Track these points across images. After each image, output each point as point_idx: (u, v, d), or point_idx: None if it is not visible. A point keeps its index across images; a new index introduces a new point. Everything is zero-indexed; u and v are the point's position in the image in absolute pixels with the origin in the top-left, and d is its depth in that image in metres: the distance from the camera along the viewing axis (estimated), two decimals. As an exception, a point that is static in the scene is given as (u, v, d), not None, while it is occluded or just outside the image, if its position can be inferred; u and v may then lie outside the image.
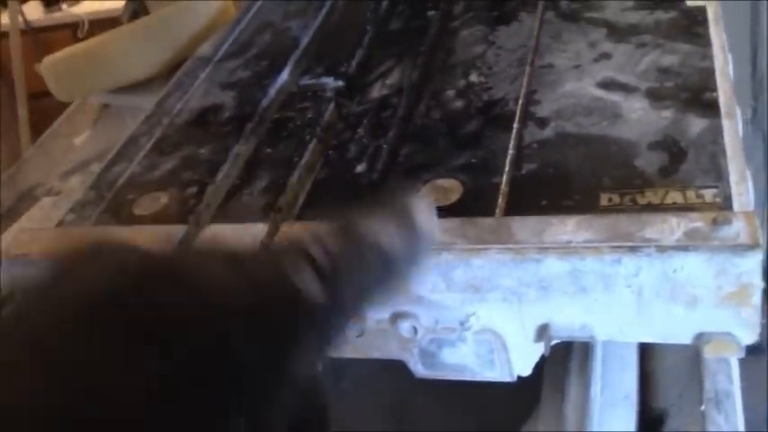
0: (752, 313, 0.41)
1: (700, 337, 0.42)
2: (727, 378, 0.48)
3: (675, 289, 0.41)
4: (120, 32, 0.84)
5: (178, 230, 0.51)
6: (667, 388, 0.52)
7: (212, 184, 0.56)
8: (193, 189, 0.56)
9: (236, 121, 0.63)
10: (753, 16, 1.50)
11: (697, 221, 0.41)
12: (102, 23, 1.86)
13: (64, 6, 1.95)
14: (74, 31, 1.93)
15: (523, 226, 0.44)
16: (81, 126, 0.95)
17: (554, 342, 0.45)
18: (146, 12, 0.99)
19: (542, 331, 0.45)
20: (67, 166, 0.86)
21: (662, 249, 0.40)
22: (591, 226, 0.42)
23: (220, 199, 0.55)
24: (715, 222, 0.40)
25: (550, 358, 0.52)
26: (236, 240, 0.49)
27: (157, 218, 0.54)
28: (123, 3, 1.12)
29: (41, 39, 1.93)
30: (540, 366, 0.48)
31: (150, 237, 0.51)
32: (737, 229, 0.40)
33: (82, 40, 1.92)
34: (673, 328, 0.42)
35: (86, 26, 1.90)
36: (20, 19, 1.76)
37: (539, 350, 0.46)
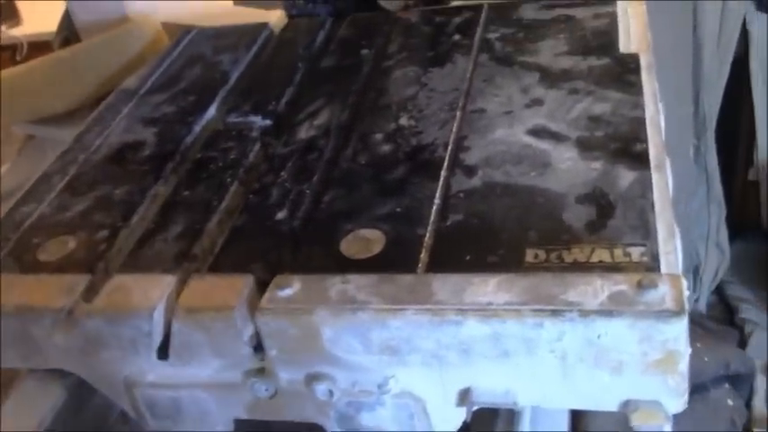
0: (679, 381, 0.39)
1: (626, 405, 0.40)
2: (658, 440, 0.46)
3: (600, 354, 0.39)
4: (45, 62, 0.81)
5: (81, 281, 0.48)
6: (597, 449, 0.50)
7: (125, 227, 0.53)
8: (104, 233, 0.53)
9: (157, 159, 0.60)
10: (695, 56, 1.52)
11: (622, 284, 0.39)
12: (42, 46, 1.81)
13: (3, 28, 1.89)
14: (12, 53, 1.87)
15: (443, 285, 0.41)
16: (5, 156, 0.91)
17: (476, 407, 0.42)
18: (78, 39, 0.96)
19: (464, 396, 0.42)
20: (-15, 198, 0.82)
21: (585, 314, 0.38)
22: (513, 286, 0.40)
23: (132, 245, 0.52)
24: (640, 286, 0.38)
25: (477, 421, 0.50)
26: (141, 293, 0.45)
27: (62, 265, 0.50)
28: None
29: (-22, 60, 1.87)
30: (464, 431, 0.46)
31: (50, 288, 0.47)
32: (663, 293, 0.38)
33: (21, 62, 1.87)
34: (598, 395, 0.40)
35: (25, 49, 1.85)
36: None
37: (461, 415, 0.43)
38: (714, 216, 1.65)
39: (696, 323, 1.62)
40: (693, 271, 1.67)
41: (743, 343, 1.59)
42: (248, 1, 0.92)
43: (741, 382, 1.44)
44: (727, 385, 1.42)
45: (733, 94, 1.58)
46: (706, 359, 1.45)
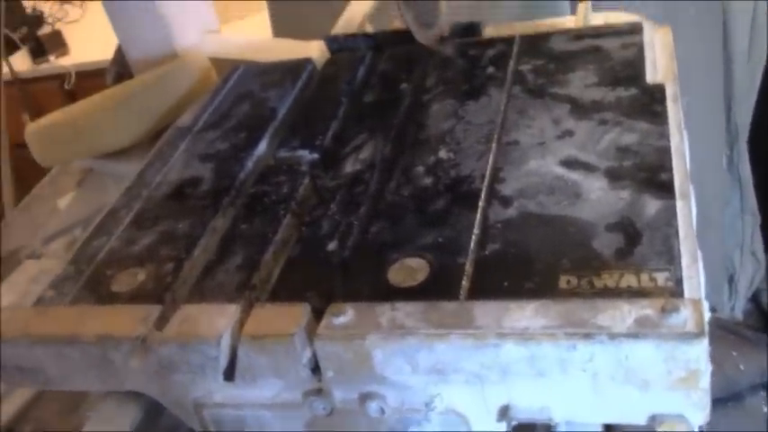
0: (701, 396, 0.42)
1: (653, 419, 0.44)
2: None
3: (628, 373, 0.42)
4: (102, 99, 0.86)
5: (153, 311, 0.52)
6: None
7: (189, 260, 0.58)
8: (170, 265, 0.58)
9: (214, 194, 0.65)
10: (726, 69, 1.54)
11: (647, 309, 0.43)
12: (89, 75, 1.89)
13: (51, 58, 1.98)
14: (61, 82, 1.95)
15: (484, 311, 0.45)
16: (64, 188, 0.97)
17: (515, 423, 0.46)
18: (130, 75, 1.02)
19: (504, 412, 0.46)
20: (50, 229, 0.87)
21: (613, 336, 0.42)
22: (548, 312, 0.44)
23: (196, 276, 0.56)
24: (664, 310, 0.42)
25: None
26: (208, 322, 0.50)
27: (134, 295, 0.55)
28: (110, 56, 1.15)
29: (29, 89, 1.95)
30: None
31: (126, 318, 0.52)
32: (685, 317, 0.42)
33: (69, 91, 1.95)
34: (627, 410, 0.44)
35: (73, 78, 1.93)
36: (6, 70, 1.78)
37: (502, 429, 0.47)
38: (748, 225, 1.67)
39: (732, 331, 1.63)
40: (729, 279, 1.69)
41: (780, 351, 1.60)
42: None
43: (778, 390, 1.45)
44: (763, 393, 1.43)
45: (766, 103, 1.59)
46: (742, 367, 1.47)
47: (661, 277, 0.45)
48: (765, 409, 1.40)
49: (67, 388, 0.55)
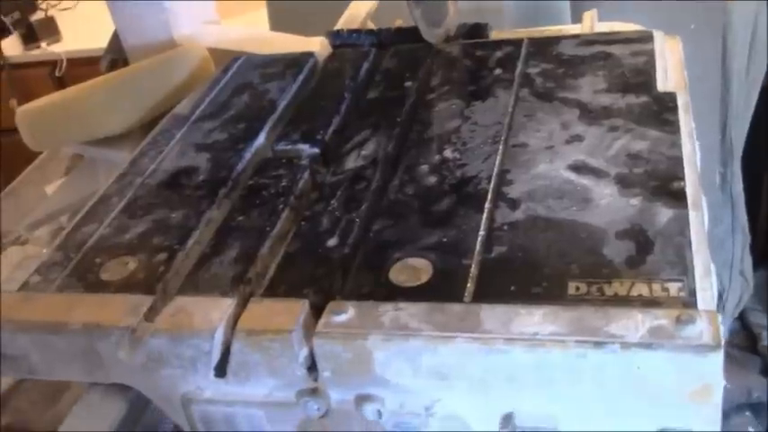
0: (713, 411, 0.41)
1: (662, 432, 0.42)
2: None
3: (639, 384, 0.41)
4: (97, 85, 0.84)
5: (144, 301, 0.50)
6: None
7: (182, 250, 0.56)
8: (163, 255, 0.56)
9: (210, 184, 0.63)
10: (723, 86, 1.53)
11: (661, 319, 0.41)
12: (81, 62, 1.86)
13: (43, 45, 1.95)
14: (51, 68, 1.92)
15: (491, 315, 0.44)
16: (53, 174, 0.95)
17: (519, 431, 0.45)
18: (125, 62, 1.00)
19: (507, 420, 0.44)
20: (37, 215, 0.85)
21: (626, 346, 0.40)
22: (557, 318, 0.43)
23: (190, 267, 0.54)
24: (679, 321, 0.41)
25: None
26: (202, 315, 0.48)
27: (124, 285, 0.53)
28: (104, 44, 1.13)
29: (18, 75, 1.92)
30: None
31: (115, 307, 0.50)
32: (700, 328, 0.40)
33: (59, 78, 1.92)
34: (636, 422, 0.43)
35: (65, 65, 1.90)
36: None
37: (503, 437, 0.46)
38: (738, 244, 1.67)
39: (719, 350, 1.63)
40: (717, 298, 1.68)
41: (765, 370, 1.60)
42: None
43: (763, 410, 1.45)
44: (748, 413, 1.43)
45: (760, 122, 1.60)
46: (728, 386, 1.46)
47: (674, 287, 0.44)
48: (750, 429, 1.40)
49: (51, 377, 0.53)
